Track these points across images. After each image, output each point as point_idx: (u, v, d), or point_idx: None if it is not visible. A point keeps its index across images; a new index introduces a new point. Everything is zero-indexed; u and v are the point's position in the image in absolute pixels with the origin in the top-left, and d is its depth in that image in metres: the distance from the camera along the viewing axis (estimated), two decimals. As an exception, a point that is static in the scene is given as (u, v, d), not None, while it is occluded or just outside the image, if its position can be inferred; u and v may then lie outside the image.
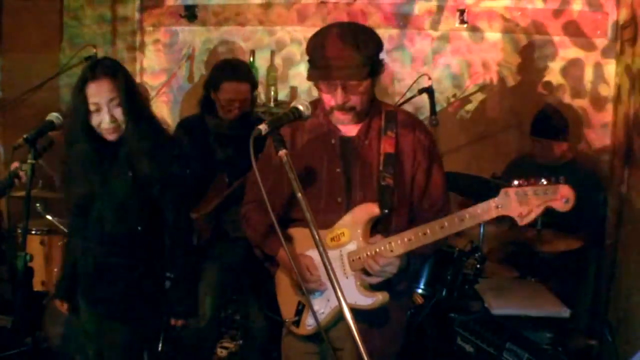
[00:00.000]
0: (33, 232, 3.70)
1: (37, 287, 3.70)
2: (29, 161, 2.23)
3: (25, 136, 2.24)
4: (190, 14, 4.58)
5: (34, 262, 3.67)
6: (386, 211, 2.14)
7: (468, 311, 3.19)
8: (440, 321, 3.24)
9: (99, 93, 2.33)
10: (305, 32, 4.32)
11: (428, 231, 2.01)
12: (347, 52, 2.03)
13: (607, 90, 3.91)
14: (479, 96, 4.19)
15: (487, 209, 1.91)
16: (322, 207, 2.18)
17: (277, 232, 1.84)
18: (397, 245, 2.07)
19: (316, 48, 2.10)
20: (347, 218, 2.17)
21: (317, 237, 1.72)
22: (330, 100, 2.13)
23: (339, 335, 2.20)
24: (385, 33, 4.27)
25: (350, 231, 2.15)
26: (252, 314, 3.53)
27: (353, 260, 2.15)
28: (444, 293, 3.16)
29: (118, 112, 2.36)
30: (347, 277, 2.15)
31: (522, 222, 1.86)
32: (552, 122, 3.63)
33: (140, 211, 2.45)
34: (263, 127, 1.88)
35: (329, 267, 1.68)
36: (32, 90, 4.14)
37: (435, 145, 2.28)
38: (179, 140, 3.12)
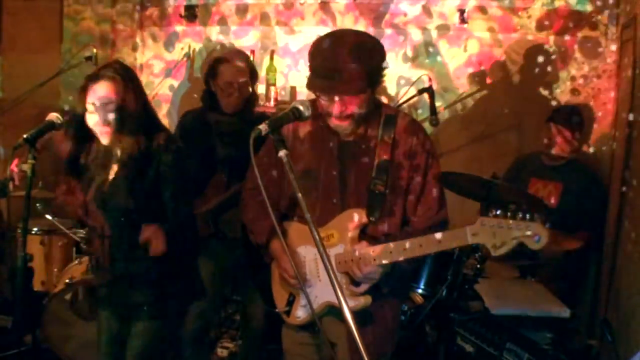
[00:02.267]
0: (33, 232, 3.70)
1: (37, 287, 3.70)
2: (29, 161, 2.23)
3: (25, 136, 2.25)
4: (190, 14, 4.58)
5: (34, 262, 3.69)
6: (372, 219, 2.17)
7: (468, 311, 3.18)
8: (440, 321, 3.24)
9: (96, 95, 2.34)
10: (306, 32, 4.31)
11: (407, 246, 2.03)
12: (349, 66, 2.01)
13: (607, 91, 3.91)
14: (479, 96, 4.19)
15: (463, 236, 1.93)
16: (318, 207, 2.22)
17: (277, 230, 1.86)
18: (379, 255, 2.09)
19: (318, 57, 2.08)
20: (337, 220, 2.20)
21: (318, 239, 1.75)
22: (327, 107, 2.13)
23: (334, 330, 2.25)
24: (385, 32, 4.28)
25: (339, 233, 2.20)
26: (252, 313, 3.52)
27: (339, 263, 2.18)
28: (444, 293, 3.16)
29: (111, 117, 2.36)
30: None
31: (495, 253, 1.87)
32: (575, 115, 3.71)
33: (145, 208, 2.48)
34: (263, 127, 1.89)
35: (329, 267, 1.71)
36: (32, 90, 4.14)
37: (433, 152, 2.25)
38: (176, 137, 3.08)
